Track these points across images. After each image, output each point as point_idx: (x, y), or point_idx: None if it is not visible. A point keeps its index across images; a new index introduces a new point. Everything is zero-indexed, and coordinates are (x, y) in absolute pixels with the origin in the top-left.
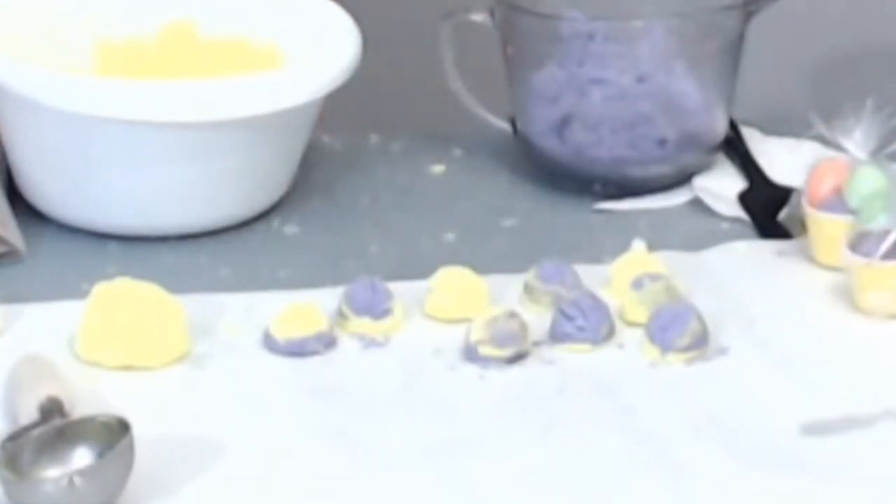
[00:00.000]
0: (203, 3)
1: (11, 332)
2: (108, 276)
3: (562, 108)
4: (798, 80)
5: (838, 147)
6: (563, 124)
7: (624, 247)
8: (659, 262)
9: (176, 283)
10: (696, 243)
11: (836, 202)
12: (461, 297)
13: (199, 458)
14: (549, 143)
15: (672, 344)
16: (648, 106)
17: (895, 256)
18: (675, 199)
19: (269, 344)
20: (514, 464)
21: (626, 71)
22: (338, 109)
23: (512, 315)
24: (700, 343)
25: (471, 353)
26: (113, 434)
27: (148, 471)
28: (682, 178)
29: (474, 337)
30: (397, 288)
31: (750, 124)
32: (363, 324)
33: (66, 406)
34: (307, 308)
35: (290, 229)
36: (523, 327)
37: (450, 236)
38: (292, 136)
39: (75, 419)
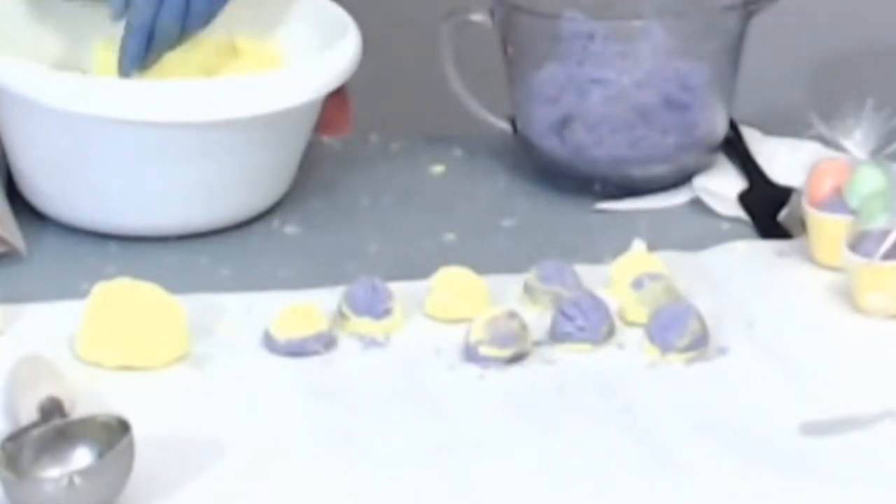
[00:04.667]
0: None
1: (11, 332)
2: (108, 276)
3: (562, 108)
4: (798, 80)
5: (838, 147)
6: (563, 124)
7: (624, 247)
8: (659, 262)
9: (176, 283)
10: (696, 243)
11: (836, 202)
12: (461, 297)
13: (199, 458)
14: (549, 143)
15: (672, 344)
16: (648, 106)
17: (895, 256)
18: (675, 199)
19: (269, 344)
20: (514, 464)
21: (626, 71)
22: None
23: (512, 315)
24: (700, 343)
25: (471, 353)
26: (113, 434)
27: (148, 471)
28: (682, 178)
29: (474, 337)
30: (397, 288)
31: (750, 124)
32: (363, 324)
33: (66, 406)
34: (307, 308)
35: (290, 229)
36: (523, 327)
37: (450, 236)
38: (292, 136)
39: (75, 419)
